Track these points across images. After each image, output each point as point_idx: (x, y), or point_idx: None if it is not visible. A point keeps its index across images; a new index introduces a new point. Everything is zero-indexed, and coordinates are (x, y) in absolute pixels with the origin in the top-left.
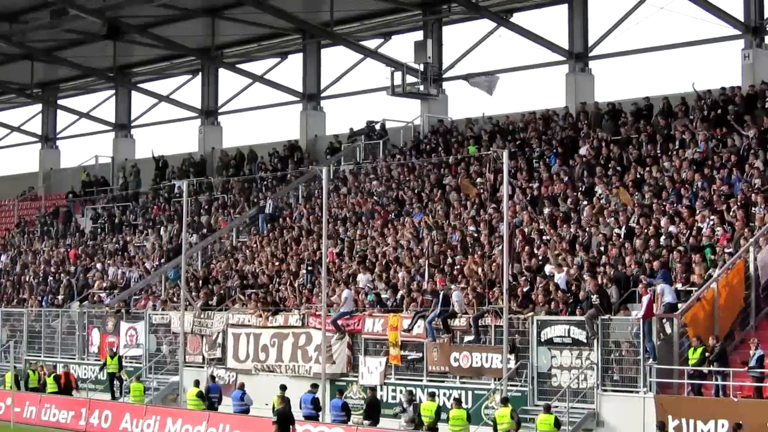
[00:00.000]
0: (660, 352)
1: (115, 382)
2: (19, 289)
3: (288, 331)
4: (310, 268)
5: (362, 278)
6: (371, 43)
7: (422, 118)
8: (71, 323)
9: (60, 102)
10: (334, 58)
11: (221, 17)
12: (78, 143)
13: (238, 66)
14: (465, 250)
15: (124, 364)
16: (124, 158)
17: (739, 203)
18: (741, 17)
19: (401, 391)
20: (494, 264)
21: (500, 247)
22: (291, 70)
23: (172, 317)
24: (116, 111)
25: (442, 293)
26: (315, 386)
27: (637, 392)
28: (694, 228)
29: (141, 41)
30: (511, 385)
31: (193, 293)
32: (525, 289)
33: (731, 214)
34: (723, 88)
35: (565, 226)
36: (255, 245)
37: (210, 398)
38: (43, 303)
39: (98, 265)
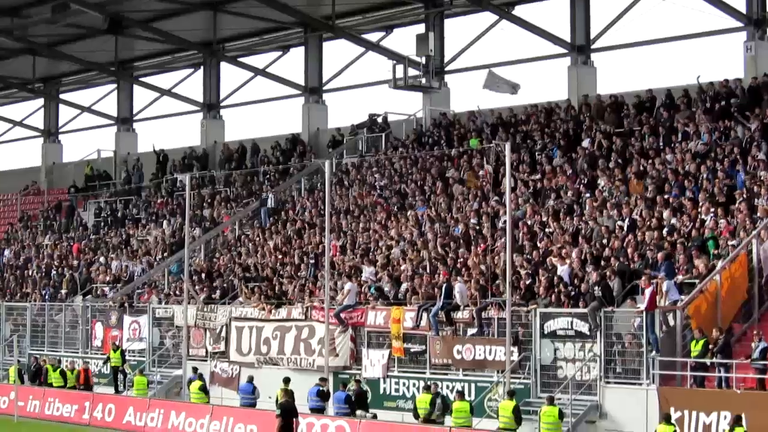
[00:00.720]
0: (663, 344)
1: (118, 376)
2: (23, 284)
3: (291, 324)
4: (312, 261)
5: (365, 271)
6: (373, 37)
7: (424, 111)
8: (74, 317)
9: (62, 96)
10: (336, 52)
11: (223, 11)
12: (80, 137)
13: (240, 59)
14: (468, 242)
15: (127, 357)
16: (126, 152)
17: (742, 195)
18: (743, 9)
19: (414, 384)
20: (497, 257)
21: (503, 240)
22: (293, 63)
23: (175, 311)
24: (118, 105)
25: (445, 286)
26: (324, 380)
27: (640, 384)
28: (697, 220)
29: (143, 35)
30: (514, 378)
31: (196, 286)
32: (528, 282)
33: (734, 206)
34: (725, 80)
35: (567, 218)
36: (258, 238)
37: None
38: (47, 297)
39: (101, 259)
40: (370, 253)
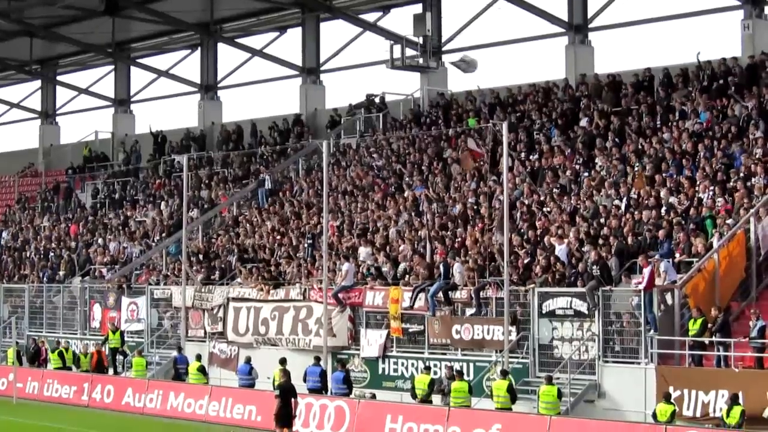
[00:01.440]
0: (661, 323)
1: (117, 357)
2: (21, 265)
3: (289, 304)
4: (310, 241)
5: (363, 251)
6: (370, 17)
7: (422, 91)
8: (72, 299)
9: (59, 78)
10: (333, 32)
11: None
12: (77, 119)
13: (238, 40)
14: (465, 222)
15: (125, 338)
16: (124, 134)
17: (739, 174)
18: None
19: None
20: (494, 237)
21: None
22: (290, 44)
23: (173, 292)
24: (115, 86)
25: (442, 265)
26: (318, 359)
27: (638, 363)
28: (695, 199)
29: (139, 16)
30: (513, 357)
31: (194, 267)
32: (526, 261)
33: (731, 184)
34: (723, 59)
35: (565, 197)
36: (255, 219)
37: (177, 369)
38: (45, 279)
39: (99, 241)
40: (368, 234)
